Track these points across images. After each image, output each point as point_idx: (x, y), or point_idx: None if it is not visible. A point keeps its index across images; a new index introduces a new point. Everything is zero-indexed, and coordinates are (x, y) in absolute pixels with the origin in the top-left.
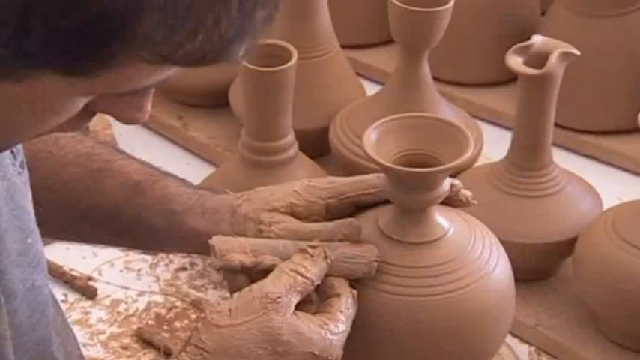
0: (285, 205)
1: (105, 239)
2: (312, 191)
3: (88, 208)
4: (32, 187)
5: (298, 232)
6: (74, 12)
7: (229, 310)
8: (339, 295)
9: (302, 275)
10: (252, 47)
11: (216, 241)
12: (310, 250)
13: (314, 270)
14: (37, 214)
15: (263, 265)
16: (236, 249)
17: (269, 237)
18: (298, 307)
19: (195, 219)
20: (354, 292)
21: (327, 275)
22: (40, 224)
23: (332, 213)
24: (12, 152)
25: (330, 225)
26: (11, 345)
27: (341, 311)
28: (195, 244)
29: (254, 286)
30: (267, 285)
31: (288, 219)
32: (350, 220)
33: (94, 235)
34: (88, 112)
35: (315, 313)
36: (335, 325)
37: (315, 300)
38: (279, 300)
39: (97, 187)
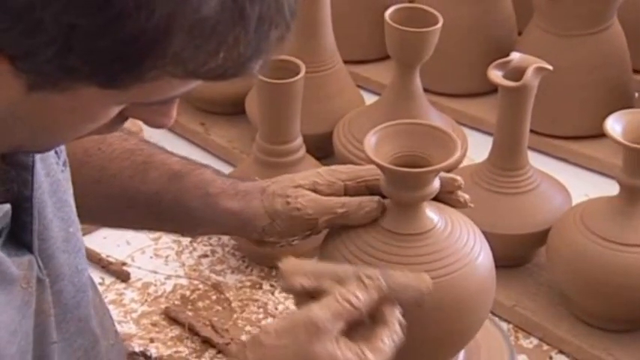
0: (308, 183)
1: (147, 224)
2: (332, 173)
3: (133, 197)
4: (83, 180)
5: (323, 204)
6: (111, 33)
7: (275, 330)
8: (385, 324)
9: (351, 304)
10: (266, 63)
11: (283, 264)
12: (366, 281)
13: (365, 300)
14: (87, 205)
15: (321, 288)
16: (299, 272)
17: (296, 208)
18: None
19: (228, 199)
20: (403, 321)
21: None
22: (90, 213)
23: (350, 194)
24: (56, 152)
25: (355, 200)
26: (54, 322)
27: (383, 341)
28: (228, 224)
29: (303, 309)
30: (314, 310)
31: (313, 194)
32: (376, 197)
33: (138, 221)
34: (121, 118)
35: (360, 339)
36: (373, 355)
37: (367, 323)
38: (322, 326)
39: (140, 177)
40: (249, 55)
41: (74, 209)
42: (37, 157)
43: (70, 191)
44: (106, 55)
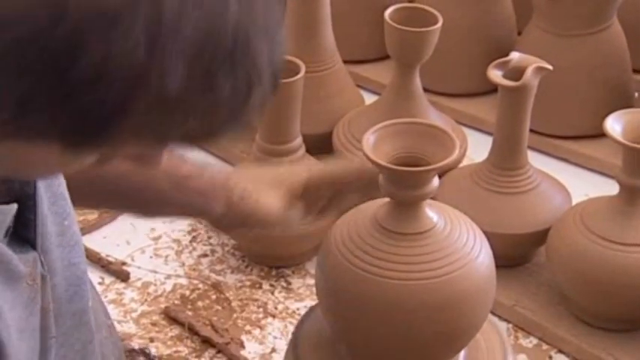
0: (269, 184)
1: (109, 203)
2: (297, 174)
3: (99, 175)
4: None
5: (263, 212)
6: (68, 105)
7: None
8: None
9: None
10: (247, 125)
11: None
12: None
13: None
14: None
15: None
16: None
17: (247, 208)
18: None
19: (196, 182)
20: None
21: None
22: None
23: (310, 190)
24: None
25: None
26: (53, 316)
27: None
28: (193, 204)
29: None
30: None
31: (266, 198)
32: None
33: (100, 198)
34: (100, 161)
35: None
36: None
37: None
38: None
39: None
40: (223, 123)
41: (69, 202)
42: None
43: (64, 183)
44: (64, 122)
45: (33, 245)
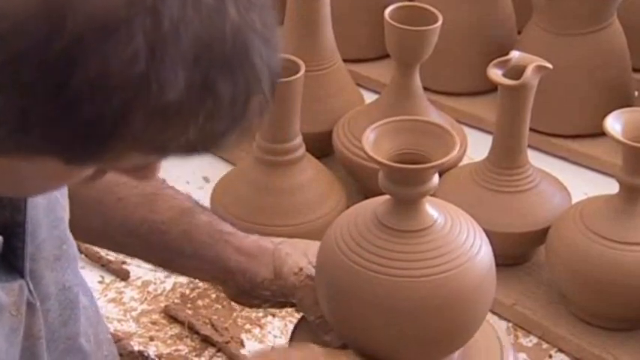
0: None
1: (141, 254)
2: None
3: (136, 224)
4: (83, 200)
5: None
6: (67, 118)
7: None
8: None
9: None
10: (249, 131)
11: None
12: None
13: None
14: (83, 225)
15: None
16: None
17: (306, 278)
18: None
19: (239, 241)
20: None
21: None
22: (83, 234)
23: None
24: None
25: None
26: (44, 343)
27: None
28: (231, 265)
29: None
30: None
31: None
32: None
33: (132, 248)
34: (98, 173)
35: None
36: None
37: None
38: None
39: (149, 206)
40: (223, 130)
41: (67, 224)
42: None
43: (67, 207)
44: (64, 137)
45: (21, 273)
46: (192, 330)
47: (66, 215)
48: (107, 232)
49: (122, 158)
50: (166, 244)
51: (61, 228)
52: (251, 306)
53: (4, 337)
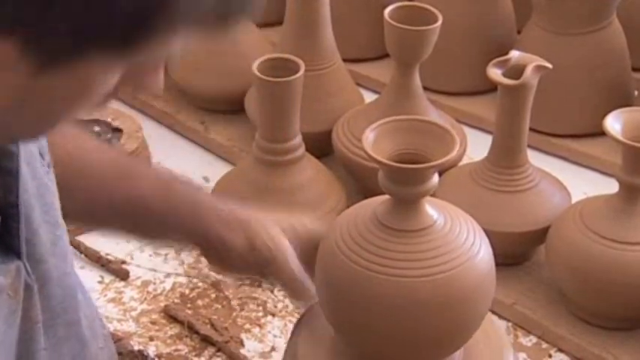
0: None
1: (126, 227)
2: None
3: (118, 199)
4: (65, 181)
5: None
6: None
7: None
8: None
9: None
10: (257, 6)
11: None
12: None
13: None
14: (68, 206)
15: None
16: None
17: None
18: None
19: (217, 211)
20: None
21: None
22: (70, 214)
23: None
24: (40, 154)
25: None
26: (42, 328)
27: None
28: (210, 232)
29: None
30: None
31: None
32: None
33: (117, 223)
34: (114, 92)
35: None
36: None
37: None
38: None
39: (128, 179)
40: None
41: (60, 212)
42: (22, 161)
43: (56, 194)
44: (119, 13)
45: (18, 254)
46: (192, 330)
47: (56, 201)
48: (89, 210)
49: (165, 42)
50: (150, 218)
51: (51, 214)
52: (234, 276)
53: (3, 318)
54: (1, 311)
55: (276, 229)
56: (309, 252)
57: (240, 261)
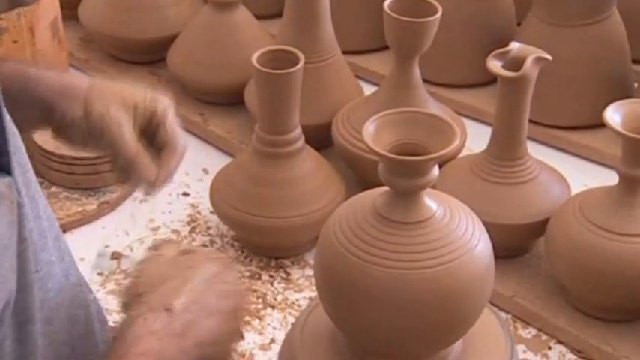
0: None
1: None
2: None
3: None
4: None
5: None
6: None
7: None
8: None
9: None
10: None
11: None
12: None
13: None
14: None
15: None
16: None
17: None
18: None
19: (58, 80)
20: None
21: None
22: None
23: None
24: None
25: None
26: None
27: None
28: (50, 106)
29: None
30: None
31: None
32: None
33: None
34: None
35: None
36: None
37: None
38: None
39: None
40: None
41: (26, 155)
42: None
43: (26, 154)
44: None
45: (7, 171)
46: None
47: (28, 163)
48: None
49: None
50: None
51: (27, 176)
52: (78, 149)
53: (8, 224)
54: (5, 217)
55: (116, 99)
56: (151, 129)
57: (77, 130)
